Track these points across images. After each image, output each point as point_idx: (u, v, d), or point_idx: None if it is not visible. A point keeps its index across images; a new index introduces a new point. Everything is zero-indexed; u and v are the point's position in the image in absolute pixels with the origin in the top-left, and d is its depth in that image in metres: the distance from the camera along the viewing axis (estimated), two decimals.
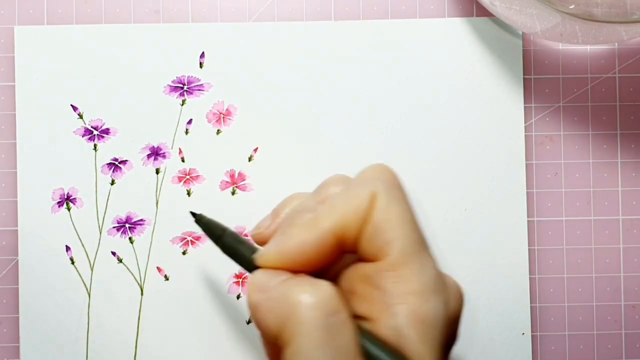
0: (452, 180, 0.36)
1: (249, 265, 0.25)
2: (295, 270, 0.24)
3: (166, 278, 0.36)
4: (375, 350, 0.22)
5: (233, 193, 0.36)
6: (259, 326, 0.24)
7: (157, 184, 0.36)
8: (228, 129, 0.36)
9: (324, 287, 0.23)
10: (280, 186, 0.36)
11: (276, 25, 0.36)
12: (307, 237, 0.24)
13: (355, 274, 0.24)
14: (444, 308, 0.23)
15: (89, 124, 0.36)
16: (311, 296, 0.22)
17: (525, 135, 0.36)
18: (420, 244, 0.24)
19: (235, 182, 0.36)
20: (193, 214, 0.30)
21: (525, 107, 0.36)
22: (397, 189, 0.25)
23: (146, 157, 0.36)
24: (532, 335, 0.36)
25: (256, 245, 0.27)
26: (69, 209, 0.36)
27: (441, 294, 0.23)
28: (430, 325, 0.23)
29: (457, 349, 0.35)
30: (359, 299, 0.24)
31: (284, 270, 0.24)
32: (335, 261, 0.25)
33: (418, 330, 0.23)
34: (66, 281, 0.35)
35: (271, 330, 0.23)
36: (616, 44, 0.36)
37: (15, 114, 0.36)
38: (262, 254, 0.25)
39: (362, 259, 0.24)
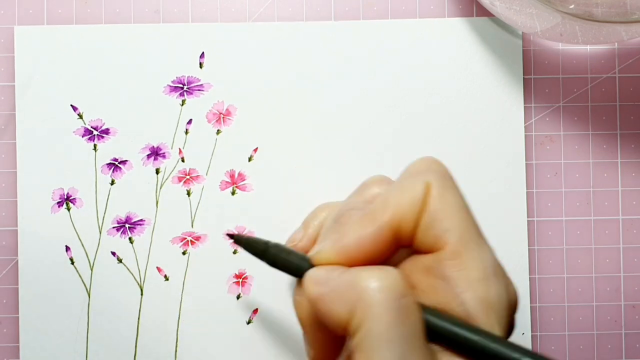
0: None
1: (299, 271, 0.25)
2: (351, 266, 0.24)
3: (166, 278, 0.36)
4: (442, 323, 0.23)
5: (233, 193, 0.36)
6: (325, 318, 0.24)
7: (157, 184, 0.36)
8: (228, 129, 0.36)
9: (390, 271, 0.23)
10: (280, 186, 0.36)
11: (276, 25, 0.36)
12: (364, 232, 0.24)
13: (414, 267, 0.25)
14: (506, 293, 0.24)
15: (88, 124, 0.36)
16: (380, 280, 0.22)
17: (525, 135, 0.36)
18: (477, 231, 0.24)
19: (235, 182, 0.36)
20: (231, 236, 0.29)
21: (525, 107, 0.36)
22: (449, 179, 0.25)
23: (146, 157, 0.36)
24: (532, 335, 0.36)
25: (301, 253, 0.27)
26: (68, 209, 0.36)
27: (502, 279, 0.24)
28: (497, 310, 0.23)
29: None
30: (421, 292, 0.24)
31: (341, 266, 0.25)
32: (391, 256, 0.25)
33: (488, 315, 0.23)
34: (66, 281, 0.35)
35: (341, 318, 0.23)
36: (616, 44, 0.36)
37: (15, 114, 0.36)
38: (319, 252, 0.25)
39: (419, 251, 0.24)
